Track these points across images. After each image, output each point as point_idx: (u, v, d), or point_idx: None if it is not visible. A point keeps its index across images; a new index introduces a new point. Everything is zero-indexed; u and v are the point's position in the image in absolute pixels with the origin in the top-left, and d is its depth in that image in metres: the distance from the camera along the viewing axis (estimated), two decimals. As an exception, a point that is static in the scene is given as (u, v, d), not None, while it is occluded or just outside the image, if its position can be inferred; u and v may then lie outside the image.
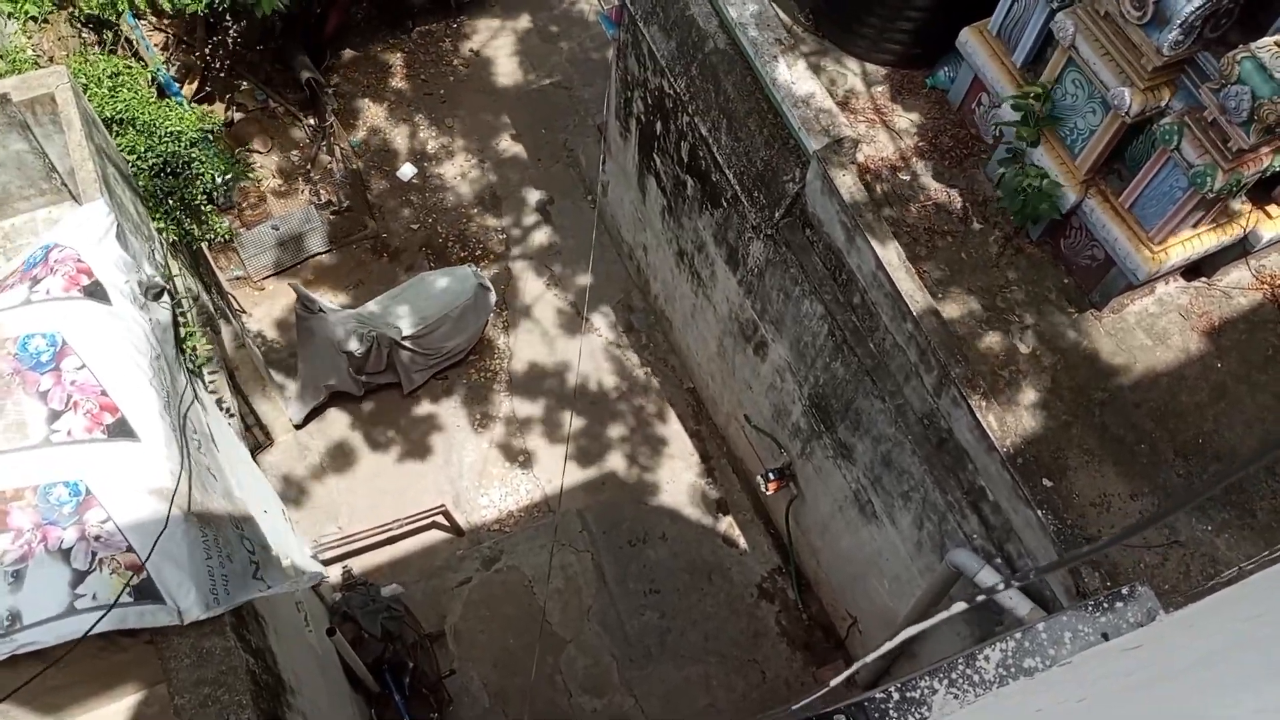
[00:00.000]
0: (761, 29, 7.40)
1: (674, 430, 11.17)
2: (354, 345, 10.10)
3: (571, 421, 10.89)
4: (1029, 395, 7.04)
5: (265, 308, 11.51)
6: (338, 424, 10.94)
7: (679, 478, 10.93)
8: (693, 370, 11.23)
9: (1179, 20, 5.80)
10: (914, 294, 6.69)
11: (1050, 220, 7.29)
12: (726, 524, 10.74)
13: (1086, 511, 6.63)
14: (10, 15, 8.79)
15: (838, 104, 7.43)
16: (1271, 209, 7.03)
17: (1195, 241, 6.90)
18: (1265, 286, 7.41)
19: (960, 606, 3.12)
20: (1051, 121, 7.02)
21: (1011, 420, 6.76)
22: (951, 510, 7.01)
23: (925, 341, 6.64)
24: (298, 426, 10.83)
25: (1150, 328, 7.31)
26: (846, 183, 6.96)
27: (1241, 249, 7.19)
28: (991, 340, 7.22)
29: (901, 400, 7.21)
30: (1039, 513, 6.24)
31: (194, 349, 6.87)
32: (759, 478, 9.63)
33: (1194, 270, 7.40)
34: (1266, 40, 5.74)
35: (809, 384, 8.36)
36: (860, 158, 7.72)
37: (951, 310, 7.26)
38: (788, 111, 7.18)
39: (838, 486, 8.63)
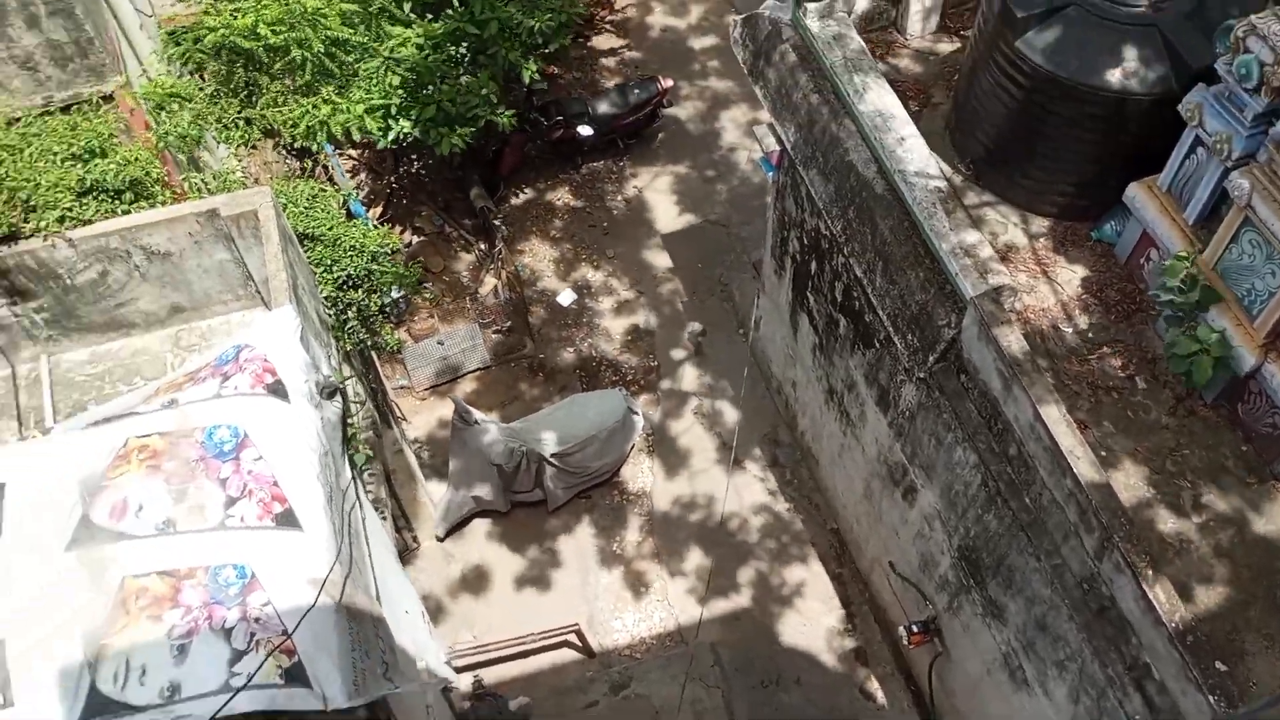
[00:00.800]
0: (921, 176, 7.49)
1: (815, 571, 10.89)
2: (504, 458, 10.39)
3: (712, 553, 10.78)
4: (1202, 569, 6.57)
5: (424, 417, 12.02)
6: (481, 535, 11.17)
7: (817, 621, 10.59)
8: (837, 510, 10.99)
9: (1371, 183, 5.57)
10: (1075, 449, 6.42)
11: (1227, 383, 6.94)
12: (865, 675, 10.27)
13: (1266, 701, 6.05)
14: (223, 141, 9.82)
15: (998, 253, 7.37)
16: None
17: (1391, 414, 6.43)
18: None
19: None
20: (1213, 295, 6.74)
21: (1182, 594, 6.31)
22: (1112, 686, 6.52)
23: (1086, 500, 6.32)
24: (440, 539, 11.13)
25: (1340, 505, 6.77)
26: (1005, 331, 6.84)
27: None
28: (1160, 506, 6.82)
29: (1059, 560, 6.84)
30: (1211, 699, 5.74)
31: (357, 449, 7.24)
32: (901, 629, 9.22)
33: (1388, 445, 6.87)
34: None
35: (959, 535, 8.05)
36: (1020, 306, 7.59)
37: (1116, 470, 6.92)
38: (945, 257, 7.16)
39: (987, 647, 8.17)
